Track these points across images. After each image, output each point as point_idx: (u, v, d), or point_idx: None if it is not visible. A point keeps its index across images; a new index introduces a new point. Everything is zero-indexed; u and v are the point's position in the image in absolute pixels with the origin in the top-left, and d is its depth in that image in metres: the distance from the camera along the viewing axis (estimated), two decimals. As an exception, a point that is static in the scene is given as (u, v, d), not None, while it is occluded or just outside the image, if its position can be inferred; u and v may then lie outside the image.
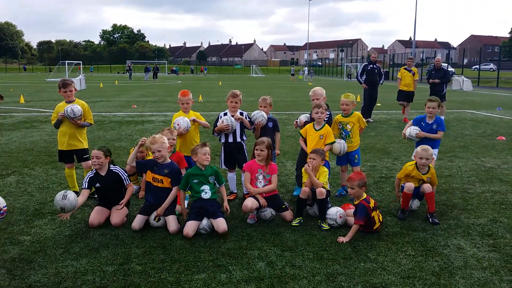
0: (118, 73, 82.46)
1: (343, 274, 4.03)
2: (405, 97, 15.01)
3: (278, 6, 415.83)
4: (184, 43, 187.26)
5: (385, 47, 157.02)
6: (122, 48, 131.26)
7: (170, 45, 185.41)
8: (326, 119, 6.31)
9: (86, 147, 6.36)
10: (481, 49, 50.01)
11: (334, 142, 6.10)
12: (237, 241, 4.79)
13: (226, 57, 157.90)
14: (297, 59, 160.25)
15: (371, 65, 14.89)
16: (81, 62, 57.24)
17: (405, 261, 4.31)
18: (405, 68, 15.02)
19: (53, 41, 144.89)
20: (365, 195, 5.08)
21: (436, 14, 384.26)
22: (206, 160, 5.15)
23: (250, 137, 6.55)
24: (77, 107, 6.06)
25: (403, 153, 9.42)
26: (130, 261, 4.27)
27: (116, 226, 5.13)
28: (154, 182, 5.27)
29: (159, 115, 16.57)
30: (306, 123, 6.31)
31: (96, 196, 5.62)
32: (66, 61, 51.90)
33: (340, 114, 6.43)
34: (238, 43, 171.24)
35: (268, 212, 5.43)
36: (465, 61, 57.58)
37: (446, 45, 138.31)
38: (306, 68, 68.89)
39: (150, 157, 5.68)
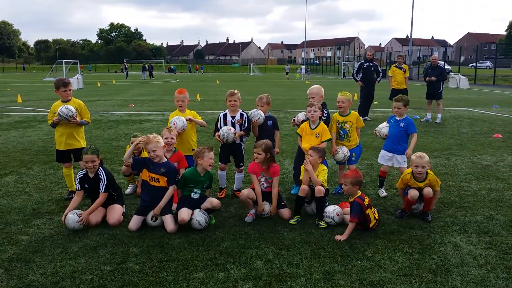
0: (116, 72, 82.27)
1: (340, 272, 4.05)
2: (398, 95, 15.01)
3: (276, 4, 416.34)
4: (182, 42, 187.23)
5: (382, 45, 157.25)
6: (119, 47, 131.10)
7: (167, 44, 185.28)
8: (324, 117, 6.33)
9: (84, 146, 6.36)
10: (477, 46, 50.23)
11: (330, 139, 6.14)
12: (235, 239, 4.80)
13: (224, 55, 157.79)
14: (295, 57, 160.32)
15: (367, 63, 14.92)
16: (78, 61, 57.15)
17: (402, 259, 4.34)
18: (396, 66, 15.02)
19: (50, 40, 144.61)
20: (359, 193, 5.09)
21: (433, 12, 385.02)
22: (210, 166, 5.26)
23: (251, 136, 6.56)
24: (70, 106, 6.06)
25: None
26: (128, 260, 4.28)
27: (113, 225, 5.14)
28: (151, 181, 5.28)
29: (157, 114, 16.56)
30: (303, 121, 6.33)
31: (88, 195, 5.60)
32: (64, 60, 51.80)
33: (338, 113, 6.44)
34: (236, 42, 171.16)
35: (267, 205, 5.48)
36: (462, 58, 57.75)
37: (443, 43, 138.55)
38: (304, 66, 68.88)
39: (145, 154, 5.69)
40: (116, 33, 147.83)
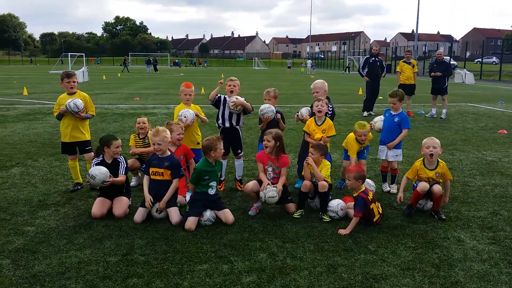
0: (121, 65, 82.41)
1: (344, 266, 4.08)
2: (406, 90, 14.98)
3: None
4: (187, 36, 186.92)
5: (388, 40, 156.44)
6: (124, 40, 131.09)
7: (172, 37, 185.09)
8: (330, 112, 6.33)
9: (88, 139, 6.41)
10: (483, 42, 49.77)
11: (335, 135, 6.18)
12: (239, 232, 4.83)
13: (229, 49, 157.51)
14: (299, 51, 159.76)
15: (373, 58, 14.87)
16: (83, 54, 57.21)
17: (405, 253, 4.35)
18: (404, 61, 14.96)
19: (56, 33, 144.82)
20: (363, 187, 5.10)
21: (439, 7, 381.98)
22: (218, 157, 5.23)
23: (255, 131, 6.58)
24: (79, 100, 6.09)
25: (405, 145, 9.43)
26: (133, 251, 4.33)
27: (119, 217, 5.18)
28: (154, 175, 5.30)
29: (162, 107, 16.60)
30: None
31: (97, 188, 5.64)
32: (69, 53, 51.89)
33: (356, 141, 6.37)
34: (241, 36, 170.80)
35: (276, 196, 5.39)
36: (468, 54, 57.40)
37: (448, 38, 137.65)
38: (309, 61, 68.66)
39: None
40: (121, 26, 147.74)
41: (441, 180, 5.43)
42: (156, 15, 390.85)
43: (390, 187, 6.43)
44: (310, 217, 5.32)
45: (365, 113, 14.75)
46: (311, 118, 6.21)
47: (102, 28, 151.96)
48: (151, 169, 5.31)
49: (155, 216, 5.18)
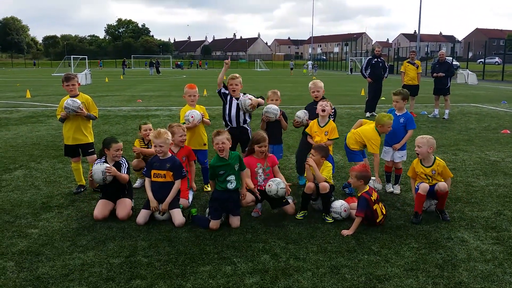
0: (127, 67, 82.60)
1: (347, 267, 4.07)
2: (410, 91, 14.95)
3: (283, 0, 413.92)
4: (189, 38, 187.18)
5: (390, 41, 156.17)
6: (127, 43, 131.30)
7: (174, 40, 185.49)
8: (332, 114, 6.33)
9: (91, 141, 6.42)
10: (486, 42, 49.74)
11: (338, 138, 6.18)
12: (242, 234, 4.83)
13: (231, 51, 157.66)
14: (302, 53, 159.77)
15: (376, 59, 14.85)
16: (86, 56, 57.34)
17: (409, 254, 4.34)
18: (408, 62, 14.95)
19: (59, 36, 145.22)
20: (367, 188, 5.09)
21: (441, 7, 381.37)
22: (220, 150, 5.03)
23: (252, 128, 6.58)
24: (75, 99, 6.12)
25: (407, 146, 9.40)
26: (136, 253, 4.33)
27: (122, 219, 5.19)
28: (156, 177, 5.30)
29: (164, 110, 16.62)
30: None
31: (99, 190, 5.66)
32: (72, 56, 52.00)
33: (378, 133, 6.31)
34: (243, 37, 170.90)
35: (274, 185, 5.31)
36: (470, 54, 57.20)
37: (451, 39, 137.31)
38: (310, 62, 68.71)
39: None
40: (123, 29, 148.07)
41: (442, 180, 5.41)
42: (158, 17, 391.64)
43: (393, 188, 6.41)
44: (313, 218, 5.31)
45: (368, 114, 14.73)
46: (314, 120, 6.20)
47: (104, 30, 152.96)
48: (153, 171, 5.32)
49: (157, 218, 5.18)
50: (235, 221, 5.04)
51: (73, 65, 48.64)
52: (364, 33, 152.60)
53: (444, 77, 14.14)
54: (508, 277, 3.89)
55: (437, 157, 5.48)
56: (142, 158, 6.52)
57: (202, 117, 6.30)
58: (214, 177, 5.16)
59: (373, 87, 14.81)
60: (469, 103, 18.83)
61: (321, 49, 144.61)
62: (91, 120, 6.45)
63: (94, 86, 30.44)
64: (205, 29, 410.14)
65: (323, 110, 6.04)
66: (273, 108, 6.23)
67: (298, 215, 5.34)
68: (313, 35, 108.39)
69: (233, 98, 6.33)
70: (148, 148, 6.49)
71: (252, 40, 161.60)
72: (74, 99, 6.11)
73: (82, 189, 6.37)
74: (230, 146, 5.16)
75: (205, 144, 6.42)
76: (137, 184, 6.59)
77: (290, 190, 5.56)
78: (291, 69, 65.34)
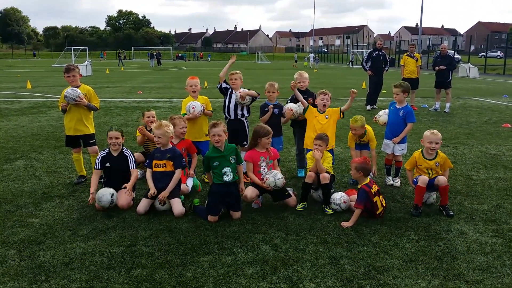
0: (125, 58, 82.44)
1: (346, 258, 4.09)
2: (410, 84, 14.91)
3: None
4: (190, 29, 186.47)
5: (392, 34, 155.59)
6: (127, 34, 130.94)
7: (175, 31, 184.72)
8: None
9: (92, 132, 6.43)
10: (488, 36, 49.46)
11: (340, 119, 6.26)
12: (242, 224, 4.85)
13: (232, 43, 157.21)
14: (303, 45, 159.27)
15: (377, 52, 14.80)
16: (87, 48, 57.22)
17: (408, 245, 4.36)
18: (407, 55, 14.90)
19: (59, 27, 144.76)
20: (367, 180, 5.10)
21: (443, 0, 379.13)
22: (216, 141, 5.06)
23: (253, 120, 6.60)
24: (74, 88, 6.11)
25: (408, 139, 9.41)
26: (137, 243, 4.35)
27: (123, 208, 5.21)
28: (156, 167, 5.36)
29: (165, 101, 16.61)
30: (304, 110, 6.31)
31: (102, 180, 5.69)
32: (72, 47, 51.90)
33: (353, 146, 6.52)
34: (244, 30, 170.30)
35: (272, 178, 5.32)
36: (472, 48, 56.98)
37: (453, 32, 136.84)
38: (312, 55, 68.51)
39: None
40: (124, 20, 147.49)
41: (440, 172, 5.42)
42: (159, 9, 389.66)
43: (393, 181, 6.43)
44: (313, 209, 5.33)
45: (369, 107, 14.71)
46: (313, 108, 6.20)
47: (105, 22, 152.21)
48: (154, 162, 5.37)
49: (158, 208, 5.21)
50: (236, 214, 5.06)
51: (73, 56, 48.55)
52: (365, 25, 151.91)
53: (445, 71, 14.10)
54: (506, 269, 3.91)
55: (438, 150, 5.49)
56: (143, 149, 6.54)
57: (204, 109, 6.35)
58: (209, 168, 5.20)
59: (374, 80, 14.77)
60: (470, 97, 18.80)
61: (322, 41, 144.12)
62: (92, 111, 6.44)
63: (95, 78, 30.39)
64: (206, 21, 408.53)
65: (324, 105, 6.09)
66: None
67: (298, 207, 5.36)
68: (315, 28, 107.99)
69: (233, 92, 6.46)
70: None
71: (253, 32, 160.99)
72: (74, 88, 6.10)
73: (83, 180, 6.38)
74: (226, 137, 5.20)
75: (207, 135, 6.45)
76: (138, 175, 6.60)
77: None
78: (296, 61, 64.95)
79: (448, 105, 14.13)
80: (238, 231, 4.67)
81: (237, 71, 6.56)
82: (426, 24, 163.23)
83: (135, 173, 5.57)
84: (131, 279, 3.69)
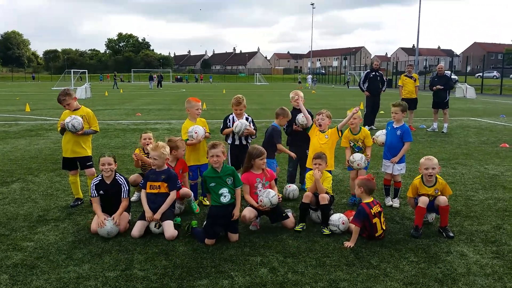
0: (121, 80, 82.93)
1: (346, 281, 4.02)
2: (409, 104, 14.98)
3: (283, 15, 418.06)
4: (189, 52, 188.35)
5: (389, 55, 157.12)
6: (127, 57, 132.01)
7: (175, 54, 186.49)
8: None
9: (89, 154, 6.40)
10: (484, 56, 50.03)
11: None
12: (240, 247, 4.79)
13: (230, 65, 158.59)
14: (301, 67, 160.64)
15: (374, 73, 14.92)
16: (86, 70, 57.64)
17: (408, 268, 4.30)
18: (405, 75, 15.02)
19: (59, 50, 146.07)
20: (370, 199, 5.07)
21: (439, 21, 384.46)
22: (214, 162, 5.04)
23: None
24: (77, 120, 6.05)
25: (407, 160, 9.38)
26: (132, 267, 4.28)
27: (119, 231, 5.14)
28: (151, 189, 5.35)
29: (164, 123, 16.63)
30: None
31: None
32: (72, 70, 52.29)
33: (349, 130, 6.47)
34: (242, 52, 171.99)
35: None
36: (469, 68, 57.47)
37: (449, 53, 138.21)
38: (310, 76, 68.99)
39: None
40: (124, 43, 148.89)
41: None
42: (159, 32, 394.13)
43: (392, 202, 6.38)
44: (312, 231, 5.27)
45: (367, 127, 14.73)
46: (315, 126, 6.25)
47: (105, 45, 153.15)
48: (149, 183, 5.37)
49: (154, 232, 5.14)
50: (233, 236, 5.00)
51: (73, 79, 48.85)
52: (363, 47, 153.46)
53: (443, 91, 14.17)
54: (508, 292, 3.84)
55: (437, 175, 5.43)
56: (141, 170, 6.53)
57: (205, 135, 6.42)
58: (207, 189, 5.18)
59: (371, 100, 14.84)
60: (468, 117, 18.87)
61: (320, 63, 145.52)
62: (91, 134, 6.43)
63: (94, 100, 30.51)
64: (206, 44, 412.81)
65: (320, 125, 6.14)
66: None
67: (297, 227, 5.30)
68: (312, 49, 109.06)
69: (235, 118, 6.60)
70: (148, 157, 6.49)
71: (252, 54, 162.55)
72: (75, 123, 6.02)
73: (79, 202, 6.33)
74: (225, 159, 5.20)
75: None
76: (134, 197, 6.55)
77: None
78: (299, 82, 64.42)
79: (445, 125, 14.16)
80: (236, 254, 4.61)
81: (241, 99, 6.57)
82: (422, 45, 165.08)
83: (124, 202, 5.40)
84: (125, 304, 3.61)
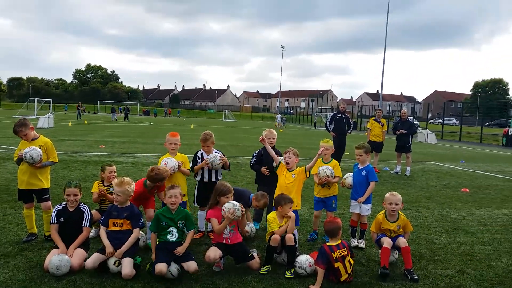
0: (84, 111, 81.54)
1: (311, 326, 3.88)
2: (375, 147, 15.32)
3: (254, 55, 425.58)
4: (158, 86, 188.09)
5: (354, 99, 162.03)
6: (94, 88, 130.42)
7: (143, 87, 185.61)
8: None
9: (46, 186, 6.09)
10: (444, 104, 52.31)
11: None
12: (202, 289, 4.59)
13: (200, 101, 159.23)
14: (269, 106, 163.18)
15: (340, 115, 15.24)
16: (51, 100, 56.50)
17: (374, 313, 4.21)
18: (374, 119, 15.44)
19: (24, 78, 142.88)
20: (336, 242, 5.02)
21: (403, 69, 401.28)
22: (172, 204, 5.09)
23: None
24: (36, 151, 5.77)
25: (371, 201, 9.45)
26: (86, 309, 4.01)
27: (74, 269, 4.85)
28: (113, 227, 5.17)
29: (128, 156, 16.27)
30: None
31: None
32: (36, 99, 51.14)
33: (321, 159, 6.59)
34: (212, 88, 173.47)
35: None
36: (429, 115, 59.87)
37: (411, 99, 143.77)
38: (279, 115, 69.98)
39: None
40: (92, 74, 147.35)
41: (401, 232, 5.57)
42: (129, 64, 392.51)
43: (358, 242, 6.36)
44: (277, 273, 5.13)
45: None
46: (284, 166, 6.25)
47: (72, 75, 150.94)
48: (111, 220, 5.17)
49: (112, 270, 4.87)
50: (191, 265, 4.84)
51: (36, 107, 47.68)
52: (329, 90, 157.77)
53: (406, 135, 14.59)
54: None
55: (399, 212, 5.59)
56: (98, 209, 6.18)
57: (179, 166, 6.20)
58: (156, 227, 5.11)
59: (337, 141, 15.03)
60: (429, 161, 19.41)
61: (288, 103, 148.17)
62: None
63: (57, 130, 29.71)
64: (176, 79, 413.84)
65: (288, 164, 6.16)
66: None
67: (262, 270, 5.15)
68: (281, 90, 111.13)
69: (204, 154, 6.52)
70: (109, 191, 6.19)
71: (222, 91, 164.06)
72: (34, 154, 5.73)
73: (32, 238, 5.97)
74: (181, 201, 5.25)
75: (184, 195, 6.12)
76: (92, 233, 6.23)
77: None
78: (277, 122, 61.47)
79: (408, 168, 14.49)
80: (198, 296, 4.40)
81: (209, 135, 6.54)
82: (386, 91, 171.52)
83: (85, 231, 5.24)
84: None
